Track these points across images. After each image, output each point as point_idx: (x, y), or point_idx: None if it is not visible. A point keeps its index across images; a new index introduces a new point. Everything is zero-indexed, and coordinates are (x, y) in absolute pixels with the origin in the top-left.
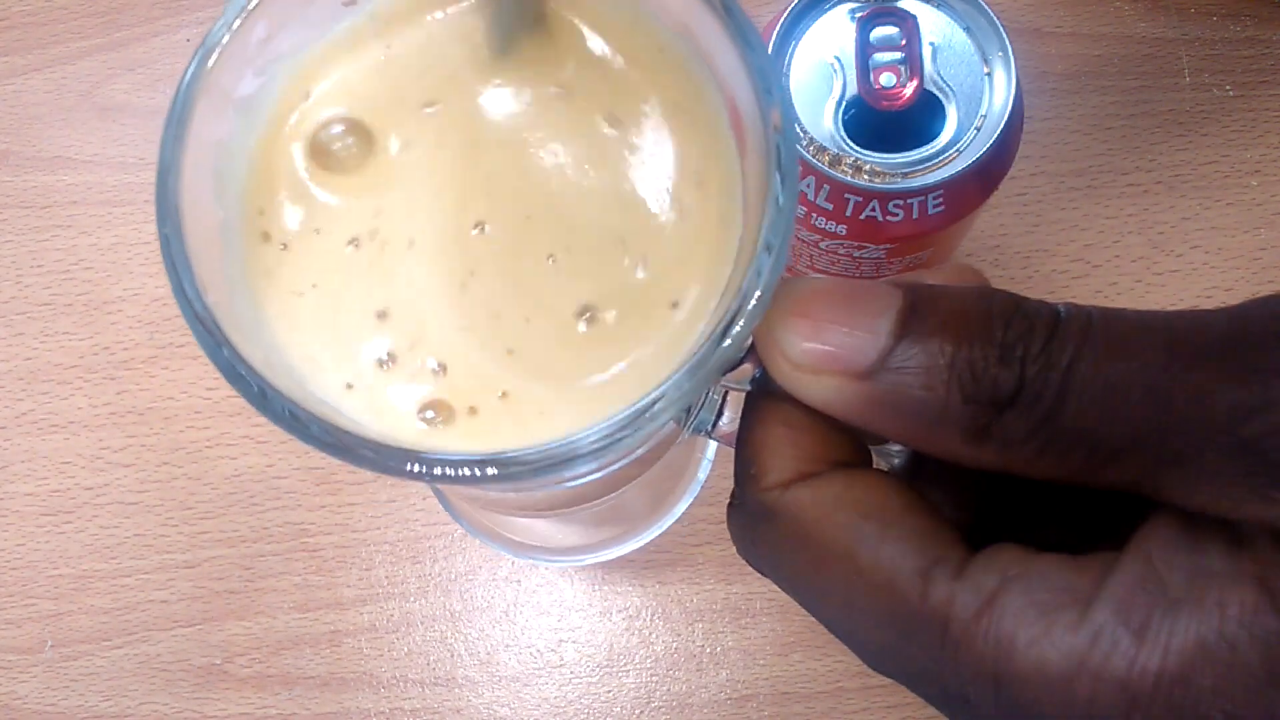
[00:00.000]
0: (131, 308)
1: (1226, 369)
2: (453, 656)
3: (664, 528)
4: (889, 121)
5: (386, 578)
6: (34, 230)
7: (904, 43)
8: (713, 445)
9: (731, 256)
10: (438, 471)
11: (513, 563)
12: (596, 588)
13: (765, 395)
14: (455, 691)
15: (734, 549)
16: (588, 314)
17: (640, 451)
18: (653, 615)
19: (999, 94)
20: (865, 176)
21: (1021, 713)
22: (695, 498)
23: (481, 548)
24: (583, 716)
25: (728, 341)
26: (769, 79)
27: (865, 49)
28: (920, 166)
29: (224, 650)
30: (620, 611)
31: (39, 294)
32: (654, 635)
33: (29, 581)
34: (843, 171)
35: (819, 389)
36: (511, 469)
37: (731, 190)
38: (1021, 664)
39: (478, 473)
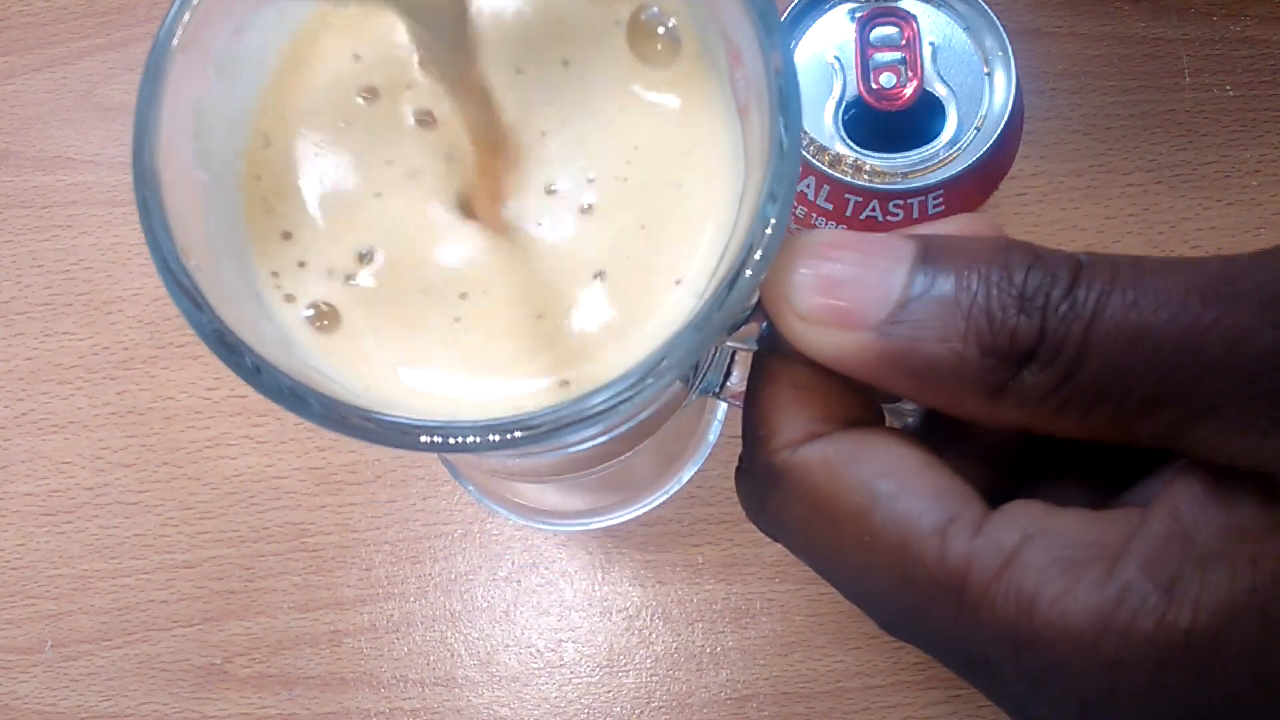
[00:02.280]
0: (131, 308)
1: (1262, 312)
2: (453, 656)
3: (671, 492)
4: (889, 121)
5: (386, 578)
6: (34, 230)
7: (904, 43)
8: (722, 406)
9: (732, 220)
10: (453, 441)
11: (513, 562)
12: (596, 588)
13: (773, 354)
14: (455, 691)
15: (735, 549)
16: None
17: (645, 414)
18: (653, 615)
19: (999, 94)
20: (865, 177)
21: (1045, 674)
22: (705, 461)
23: (482, 547)
24: (583, 716)
25: (733, 295)
26: (770, 22)
27: (865, 49)
28: (920, 166)
29: (224, 650)
30: (620, 611)
31: (39, 294)
32: (654, 635)
33: (29, 581)
34: (843, 172)
35: (829, 344)
36: (516, 435)
37: (732, 147)
38: (1044, 623)
39: (487, 439)
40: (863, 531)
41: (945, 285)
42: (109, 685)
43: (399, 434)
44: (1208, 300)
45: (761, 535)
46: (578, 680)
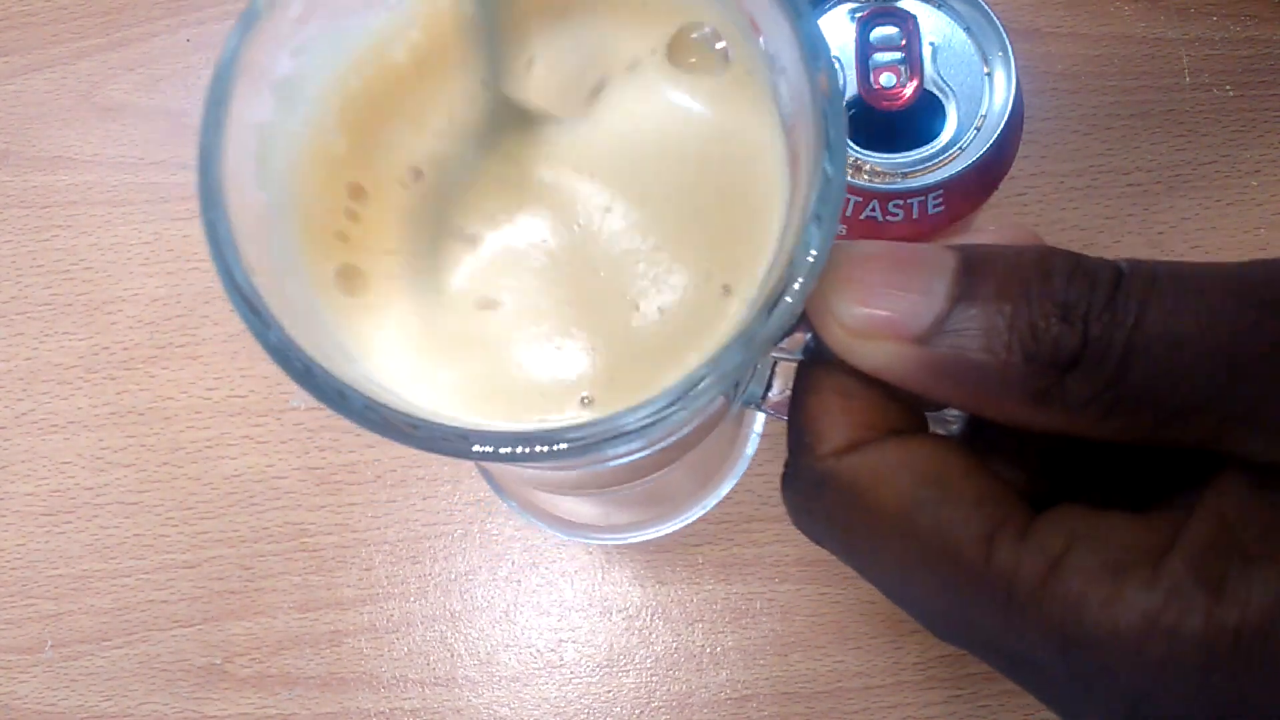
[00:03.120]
0: (131, 308)
1: None
2: (453, 656)
3: (710, 505)
4: (889, 121)
5: (386, 578)
6: (34, 230)
7: (904, 43)
8: (761, 419)
9: (781, 224)
10: (504, 451)
11: (513, 562)
12: (596, 588)
13: (818, 364)
14: (455, 691)
15: (735, 549)
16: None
17: (686, 430)
18: (653, 615)
19: (999, 94)
20: (865, 176)
21: (1094, 675)
22: (744, 473)
23: (482, 547)
24: (583, 716)
25: (779, 311)
26: (816, 44)
27: (865, 49)
28: (920, 166)
29: (224, 650)
30: (620, 611)
31: (39, 294)
32: (654, 635)
33: (29, 581)
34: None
35: (874, 355)
36: (561, 446)
37: (778, 156)
38: (1092, 625)
39: (534, 450)
40: (909, 538)
41: (988, 295)
42: (109, 685)
43: (452, 442)
44: (1247, 304)
45: (761, 536)
46: (578, 680)
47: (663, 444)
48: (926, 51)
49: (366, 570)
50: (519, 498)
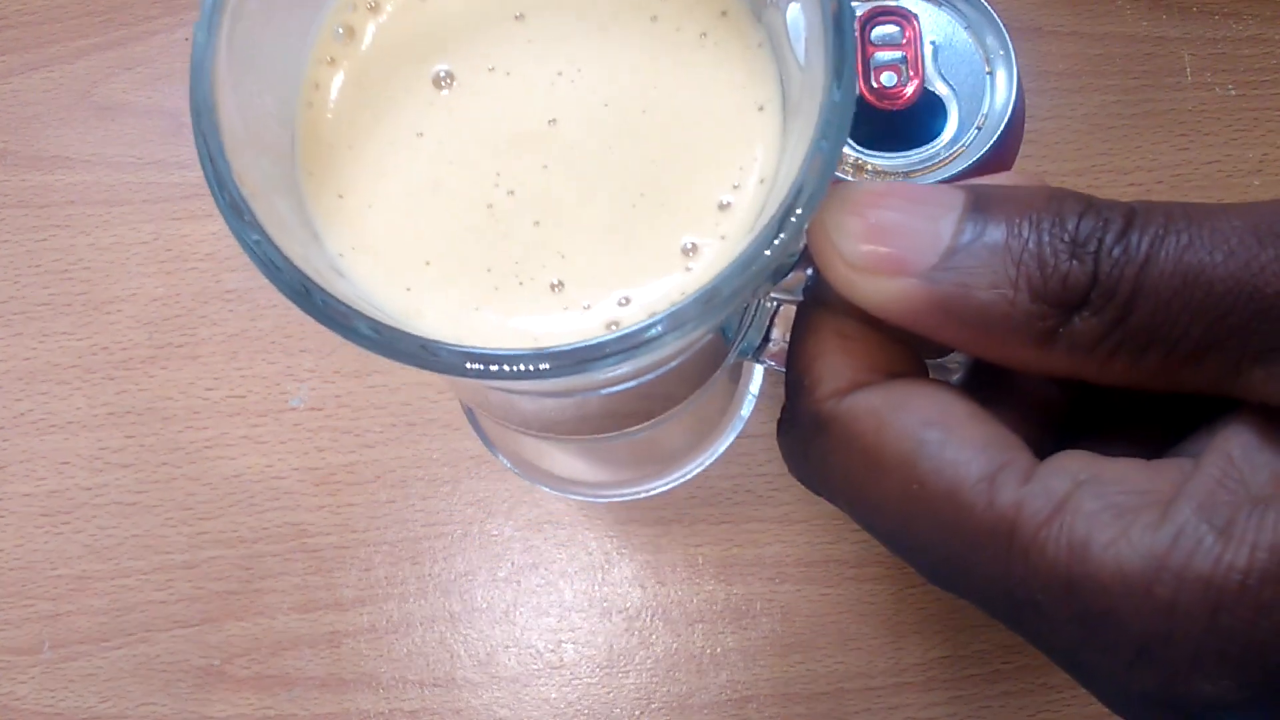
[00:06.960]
0: (130, 308)
1: None
2: (452, 657)
3: (704, 465)
4: (890, 121)
5: (386, 578)
6: (32, 230)
7: (905, 41)
8: (757, 379)
9: (776, 157)
10: (493, 368)
11: (512, 563)
12: (596, 588)
13: (818, 305)
14: (455, 692)
15: (735, 549)
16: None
17: (676, 363)
18: (653, 616)
19: (1000, 93)
20: (867, 176)
21: (1097, 618)
22: (738, 435)
23: (481, 548)
24: (583, 718)
25: (782, 237)
26: None
27: (866, 48)
28: (921, 166)
29: (223, 651)
30: (620, 612)
31: (37, 294)
32: (654, 636)
33: (27, 582)
34: (844, 171)
35: (877, 292)
36: (555, 363)
37: (771, 81)
38: (1097, 567)
39: (520, 368)
40: (910, 479)
41: (996, 232)
42: (107, 686)
43: (433, 357)
44: (1264, 240)
45: (761, 536)
46: (577, 681)
47: (651, 375)
48: (927, 50)
49: (366, 571)
50: (510, 453)
